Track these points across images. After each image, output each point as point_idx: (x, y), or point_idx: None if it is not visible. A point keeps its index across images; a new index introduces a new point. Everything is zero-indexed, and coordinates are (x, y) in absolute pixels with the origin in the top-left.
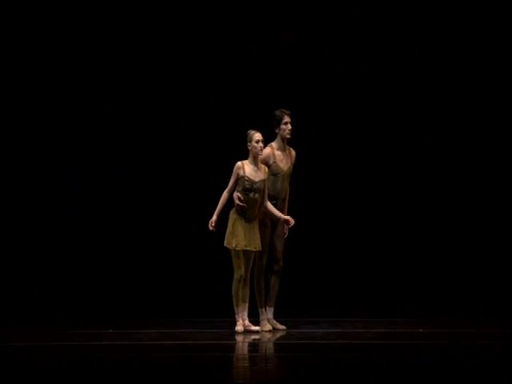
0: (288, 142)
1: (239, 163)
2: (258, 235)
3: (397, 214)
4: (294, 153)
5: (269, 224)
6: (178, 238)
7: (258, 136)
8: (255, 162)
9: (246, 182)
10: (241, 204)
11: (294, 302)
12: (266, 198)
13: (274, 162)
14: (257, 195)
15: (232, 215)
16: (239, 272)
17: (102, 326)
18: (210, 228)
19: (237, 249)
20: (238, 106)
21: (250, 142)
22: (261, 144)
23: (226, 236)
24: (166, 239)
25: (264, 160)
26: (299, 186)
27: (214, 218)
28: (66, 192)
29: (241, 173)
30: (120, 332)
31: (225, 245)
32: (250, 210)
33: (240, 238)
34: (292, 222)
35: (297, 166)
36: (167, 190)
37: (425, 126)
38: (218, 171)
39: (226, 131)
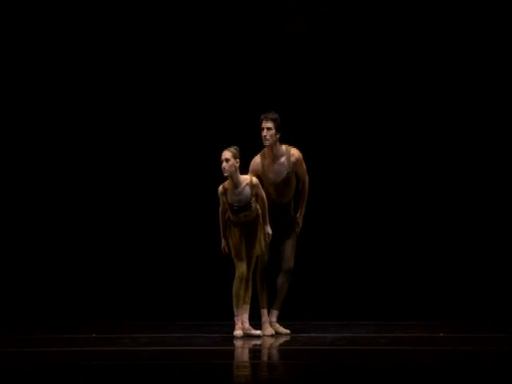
0: (286, 141)
1: (220, 189)
2: (260, 236)
3: (413, 213)
4: (294, 158)
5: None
6: (169, 234)
7: (222, 155)
8: (234, 182)
9: (231, 208)
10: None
11: (299, 303)
12: (264, 201)
13: (263, 174)
14: (247, 212)
15: (227, 221)
16: (241, 269)
17: (84, 329)
18: (225, 253)
19: (236, 258)
20: (238, 85)
21: None
22: (224, 164)
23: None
24: (156, 234)
25: (254, 172)
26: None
27: (224, 242)
28: (55, 191)
29: (224, 199)
30: (104, 337)
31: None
32: (245, 224)
33: (238, 247)
34: (268, 236)
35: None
36: (160, 188)
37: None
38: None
39: (226, 119)
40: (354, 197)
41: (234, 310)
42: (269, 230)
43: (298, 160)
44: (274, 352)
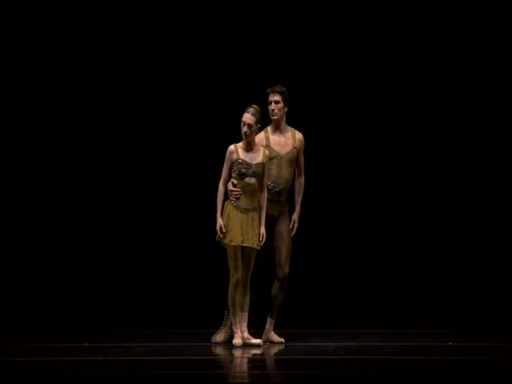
0: (291, 124)
1: (232, 147)
2: (257, 230)
3: (420, 216)
4: (299, 136)
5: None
6: (163, 238)
7: (243, 117)
8: (249, 143)
9: (241, 166)
10: (235, 189)
11: (301, 310)
12: (265, 187)
13: (267, 146)
14: (253, 180)
15: (226, 206)
16: (235, 275)
17: (75, 338)
18: (221, 236)
19: (232, 243)
20: (237, 80)
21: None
22: (245, 129)
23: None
24: (149, 236)
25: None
26: (309, 185)
27: (221, 222)
28: (43, 192)
29: (234, 157)
30: (96, 346)
31: (217, 239)
32: (247, 198)
33: (236, 231)
34: (262, 239)
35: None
36: (154, 196)
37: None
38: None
39: (223, 114)
40: (357, 197)
41: (231, 318)
42: (263, 230)
43: (302, 140)
44: (274, 362)
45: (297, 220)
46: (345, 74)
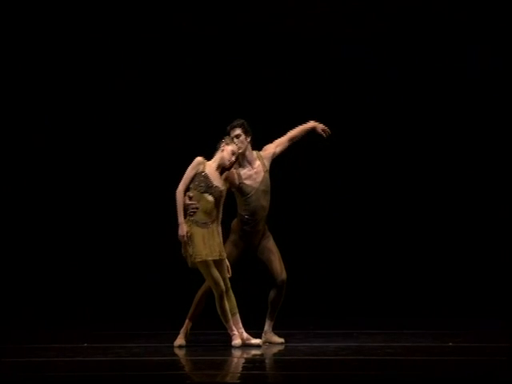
0: (255, 148)
1: (200, 158)
2: (220, 240)
3: (422, 219)
4: (263, 153)
5: (242, 235)
6: (161, 237)
7: (236, 149)
8: (221, 167)
9: (204, 180)
10: (191, 202)
11: (301, 310)
12: (220, 219)
13: (241, 183)
14: (211, 198)
15: (186, 223)
16: (218, 289)
17: (75, 338)
18: (184, 240)
19: (196, 260)
20: (236, 85)
21: (226, 144)
22: (234, 158)
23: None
24: (148, 238)
25: (230, 183)
26: (313, 183)
27: (185, 228)
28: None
29: (200, 168)
30: (96, 346)
31: (183, 254)
32: (203, 213)
33: (199, 247)
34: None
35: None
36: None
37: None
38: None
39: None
40: (357, 197)
41: (226, 325)
42: (227, 262)
43: (267, 151)
44: (273, 362)
45: (317, 124)
46: (344, 75)
